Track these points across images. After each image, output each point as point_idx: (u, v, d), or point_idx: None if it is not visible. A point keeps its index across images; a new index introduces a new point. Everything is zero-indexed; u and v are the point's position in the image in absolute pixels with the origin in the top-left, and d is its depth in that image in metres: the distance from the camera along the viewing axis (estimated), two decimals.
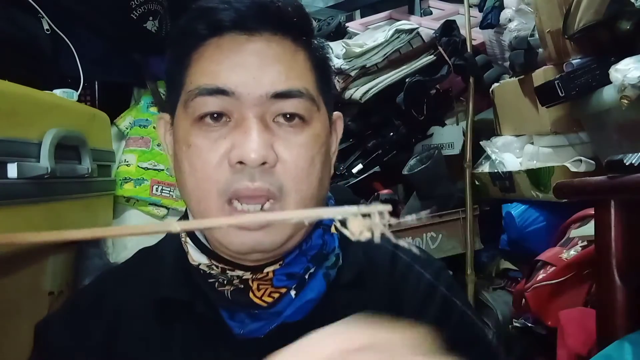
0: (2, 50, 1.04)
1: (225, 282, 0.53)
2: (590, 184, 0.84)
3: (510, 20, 1.51)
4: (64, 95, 1.02)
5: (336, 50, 1.58)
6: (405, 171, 1.57)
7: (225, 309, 0.54)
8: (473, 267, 1.54)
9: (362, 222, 0.27)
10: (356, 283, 0.57)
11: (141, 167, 1.26)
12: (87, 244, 1.18)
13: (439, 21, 1.79)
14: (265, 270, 0.53)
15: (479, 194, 1.63)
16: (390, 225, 0.28)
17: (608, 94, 1.11)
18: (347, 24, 2.11)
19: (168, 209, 1.28)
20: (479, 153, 1.67)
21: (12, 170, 0.77)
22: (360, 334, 0.32)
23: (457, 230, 1.57)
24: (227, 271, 0.53)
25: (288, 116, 0.51)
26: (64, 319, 0.58)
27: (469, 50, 1.65)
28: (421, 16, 2.15)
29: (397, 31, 1.55)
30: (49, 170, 0.83)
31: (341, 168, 1.59)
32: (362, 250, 0.60)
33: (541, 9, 1.29)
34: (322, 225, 0.57)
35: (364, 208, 0.28)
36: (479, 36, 1.82)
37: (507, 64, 1.60)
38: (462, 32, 1.66)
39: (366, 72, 1.57)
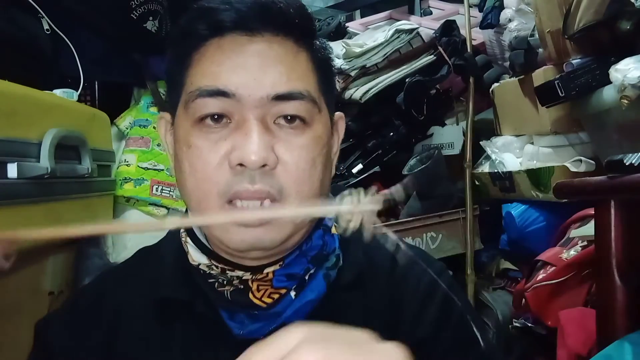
0: (2, 50, 1.04)
1: (225, 282, 0.53)
2: (590, 184, 0.84)
3: (510, 20, 1.51)
4: (64, 95, 1.02)
5: (336, 50, 1.58)
6: (405, 171, 1.57)
7: (225, 309, 0.54)
8: (473, 267, 1.54)
9: (351, 216, 0.28)
10: (356, 284, 0.57)
11: (141, 167, 1.26)
12: (87, 244, 1.18)
13: (439, 21, 1.79)
14: (265, 271, 0.53)
15: (479, 194, 1.63)
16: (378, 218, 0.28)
17: (608, 94, 1.11)
18: (347, 24, 2.11)
19: (168, 209, 1.28)
20: (479, 153, 1.67)
21: (12, 170, 0.77)
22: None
23: (457, 230, 1.57)
24: (227, 271, 0.53)
25: (289, 118, 0.50)
26: (64, 318, 0.58)
27: (469, 50, 1.65)
28: (421, 16, 2.15)
29: (397, 31, 1.55)
30: (49, 170, 0.83)
31: (341, 168, 1.59)
32: (362, 251, 0.60)
33: (541, 9, 1.29)
34: (322, 226, 0.57)
35: (355, 206, 0.28)
36: (479, 36, 1.82)
37: (507, 64, 1.60)
38: (462, 32, 1.66)
39: (366, 72, 1.57)
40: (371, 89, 1.53)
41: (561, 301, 1.11)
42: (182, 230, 0.58)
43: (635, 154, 0.75)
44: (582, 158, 1.30)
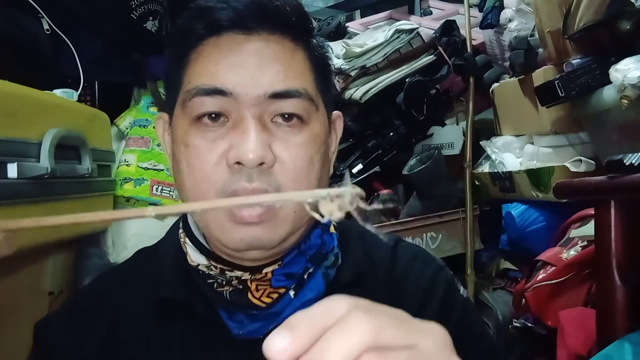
0: (2, 50, 1.04)
1: (224, 282, 0.53)
2: (590, 184, 0.84)
3: (510, 20, 1.51)
4: (64, 95, 1.02)
5: (336, 50, 1.58)
6: (405, 171, 1.57)
7: (224, 309, 0.54)
8: (473, 267, 1.54)
9: (332, 203, 0.27)
10: (355, 283, 0.57)
11: (141, 167, 1.26)
12: (87, 244, 1.18)
13: (439, 21, 1.79)
14: (264, 271, 0.53)
15: (479, 194, 1.63)
16: (360, 207, 0.27)
17: (608, 94, 1.11)
18: (347, 24, 2.11)
19: None
20: (479, 153, 1.67)
21: (12, 170, 0.77)
22: (395, 327, 0.27)
23: (457, 230, 1.57)
24: (226, 272, 0.53)
25: (286, 116, 0.50)
26: (64, 318, 0.58)
27: (469, 50, 1.65)
28: (421, 16, 2.15)
29: (397, 31, 1.55)
30: (49, 170, 0.83)
31: (341, 168, 1.58)
32: (361, 249, 0.60)
33: (541, 9, 1.29)
34: (320, 225, 0.57)
35: (334, 190, 0.28)
36: (479, 36, 1.82)
37: (507, 64, 1.60)
38: (462, 32, 1.66)
39: (366, 72, 1.57)
40: (371, 89, 1.53)
41: (561, 301, 1.11)
42: (180, 231, 0.58)
43: (635, 154, 0.75)
44: (582, 158, 1.30)
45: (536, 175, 1.37)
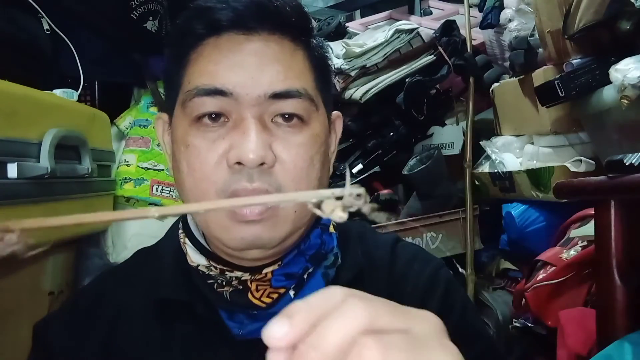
0: (2, 50, 1.04)
1: (224, 283, 0.53)
2: (590, 184, 0.84)
3: (510, 20, 1.51)
4: (64, 95, 1.02)
5: (336, 50, 1.58)
6: (405, 171, 1.57)
7: (224, 309, 0.54)
8: (473, 267, 1.54)
9: (335, 202, 0.28)
10: (355, 282, 0.57)
11: (141, 167, 1.26)
12: (87, 244, 1.18)
13: (439, 21, 1.79)
14: (264, 271, 0.53)
15: (479, 194, 1.63)
16: (364, 205, 0.28)
17: (608, 94, 1.11)
18: (347, 24, 2.11)
19: None
20: (479, 153, 1.67)
21: (12, 170, 0.77)
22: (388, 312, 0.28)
23: (457, 230, 1.57)
24: (226, 272, 0.53)
25: (286, 116, 0.50)
26: (64, 319, 0.58)
27: (469, 50, 1.65)
28: (421, 16, 2.15)
29: (397, 31, 1.55)
30: (49, 170, 0.83)
31: (341, 168, 1.58)
32: (361, 249, 0.60)
33: (541, 9, 1.29)
34: (320, 225, 0.57)
35: (338, 190, 0.28)
36: (479, 36, 1.82)
37: (507, 64, 1.60)
38: (462, 32, 1.66)
39: (366, 72, 1.57)
40: (371, 89, 1.53)
41: (561, 301, 1.11)
42: (180, 232, 0.58)
43: (635, 154, 0.75)
44: (582, 158, 1.30)
45: (536, 175, 1.37)
